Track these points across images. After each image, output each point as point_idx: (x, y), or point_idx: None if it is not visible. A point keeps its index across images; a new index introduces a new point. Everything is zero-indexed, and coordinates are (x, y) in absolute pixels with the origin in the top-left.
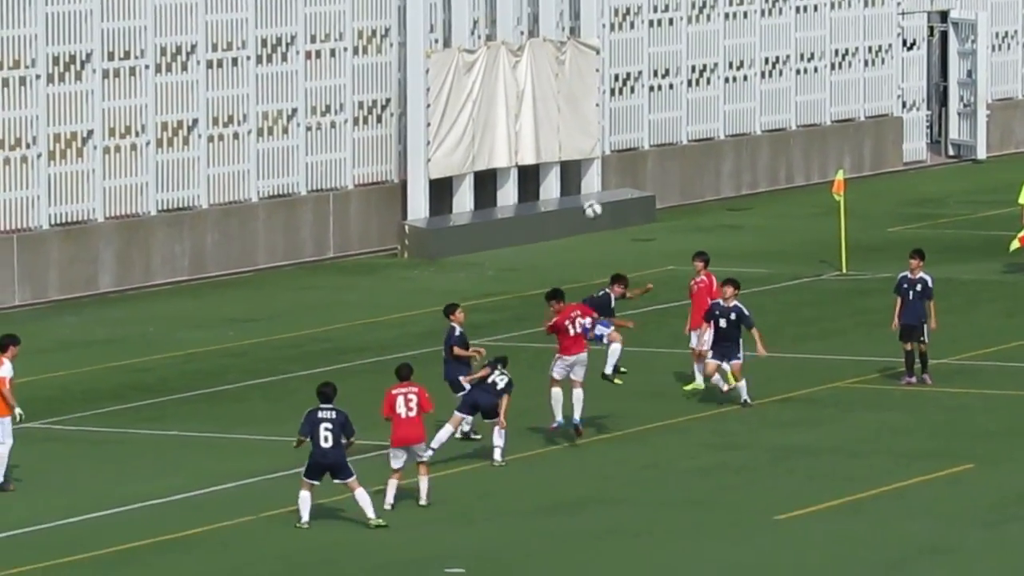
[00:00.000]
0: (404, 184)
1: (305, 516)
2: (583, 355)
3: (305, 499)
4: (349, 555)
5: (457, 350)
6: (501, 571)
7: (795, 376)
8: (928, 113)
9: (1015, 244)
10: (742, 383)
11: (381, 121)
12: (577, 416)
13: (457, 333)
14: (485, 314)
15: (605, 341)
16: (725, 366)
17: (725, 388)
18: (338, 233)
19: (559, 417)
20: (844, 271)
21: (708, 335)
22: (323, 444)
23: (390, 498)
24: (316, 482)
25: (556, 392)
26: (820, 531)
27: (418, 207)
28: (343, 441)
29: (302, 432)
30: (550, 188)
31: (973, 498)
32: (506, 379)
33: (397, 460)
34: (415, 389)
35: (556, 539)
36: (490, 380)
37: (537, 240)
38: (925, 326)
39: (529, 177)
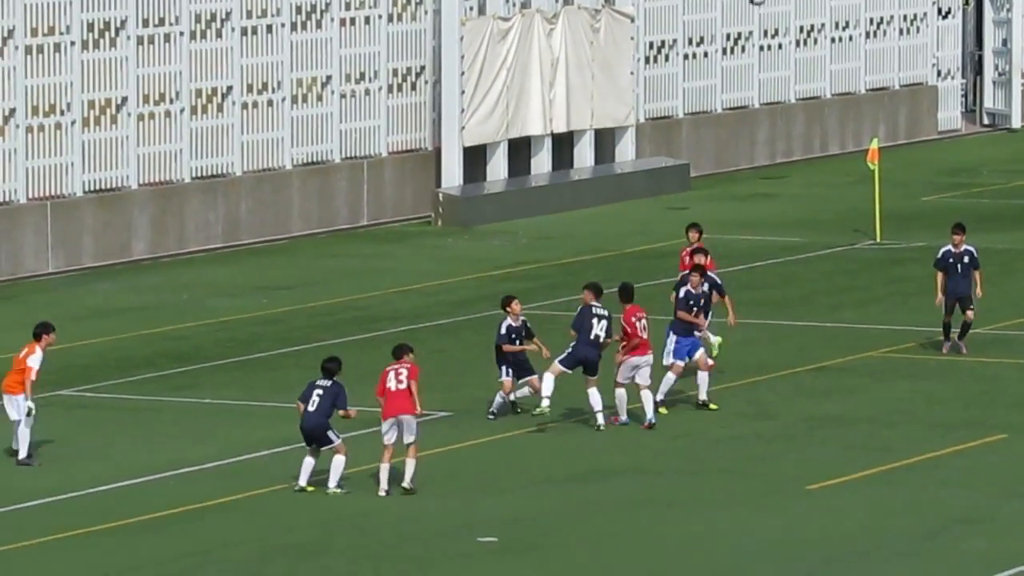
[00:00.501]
0: (438, 152)
1: (302, 480)
2: (648, 357)
3: (306, 464)
4: (381, 524)
5: (506, 347)
6: (534, 540)
7: (829, 345)
8: (963, 82)
9: None
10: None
11: (415, 89)
12: (650, 413)
13: (503, 330)
14: (518, 282)
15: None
16: (711, 337)
17: (711, 362)
18: (372, 201)
19: (624, 416)
20: (878, 240)
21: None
22: (308, 409)
23: (384, 484)
24: (312, 447)
25: (620, 393)
26: (853, 501)
27: (452, 175)
28: (336, 412)
29: (301, 398)
30: (584, 156)
31: (1007, 468)
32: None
33: (387, 435)
34: (407, 364)
35: (588, 508)
36: (592, 335)
37: (571, 208)
38: (972, 295)
39: (563, 145)
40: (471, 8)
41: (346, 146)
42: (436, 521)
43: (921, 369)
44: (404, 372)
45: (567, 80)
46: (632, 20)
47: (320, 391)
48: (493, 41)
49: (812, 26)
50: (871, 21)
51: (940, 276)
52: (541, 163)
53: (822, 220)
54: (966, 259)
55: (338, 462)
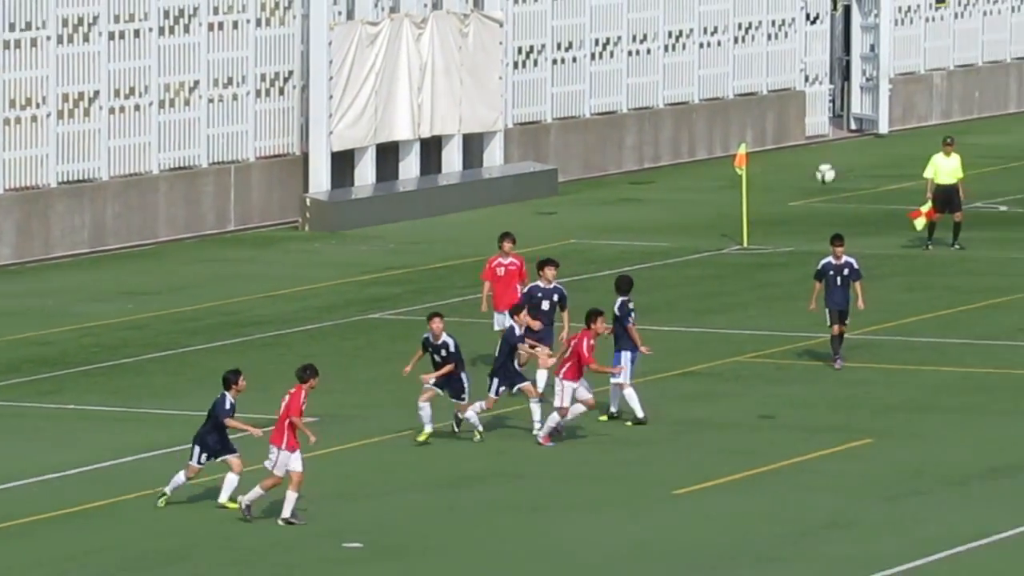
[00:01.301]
0: (306, 157)
1: (222, 496)
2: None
3: (229, 480)
4: (245, 531)
5: (522, 347)
6: (399, 545)
7: (696, 350)
8: (831, 87)
9: (921, 221)
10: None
11: (283, 94)
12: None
13: (518, 332)
14: (386, 287)
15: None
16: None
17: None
18: (239, 206)
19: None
20: (746, 245)
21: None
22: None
23: (246, 499)
24: (214, 459)
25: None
26: (719, 505)
27: (320, 180)
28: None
29: None
30: (452, 161)
31: (872, 472)
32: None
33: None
34: (291, 391)
35: (455, 514)
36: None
37: (439, 213)
38: (849, 309)
39: (431, 150)
40: (339, 13)
41: (214, 151)
42: (301, 527)
43: (787, 374)
44: (287, 399)
45: (435, 85)
46: (501, 25)
47: (212, 406)
48: (361, 46)
49: (681, 31)
50: (739, 26)
51: (817, 286)
52: (409, 168)
53: (690, 225)
54: (846, 271)
55: (231, 479)
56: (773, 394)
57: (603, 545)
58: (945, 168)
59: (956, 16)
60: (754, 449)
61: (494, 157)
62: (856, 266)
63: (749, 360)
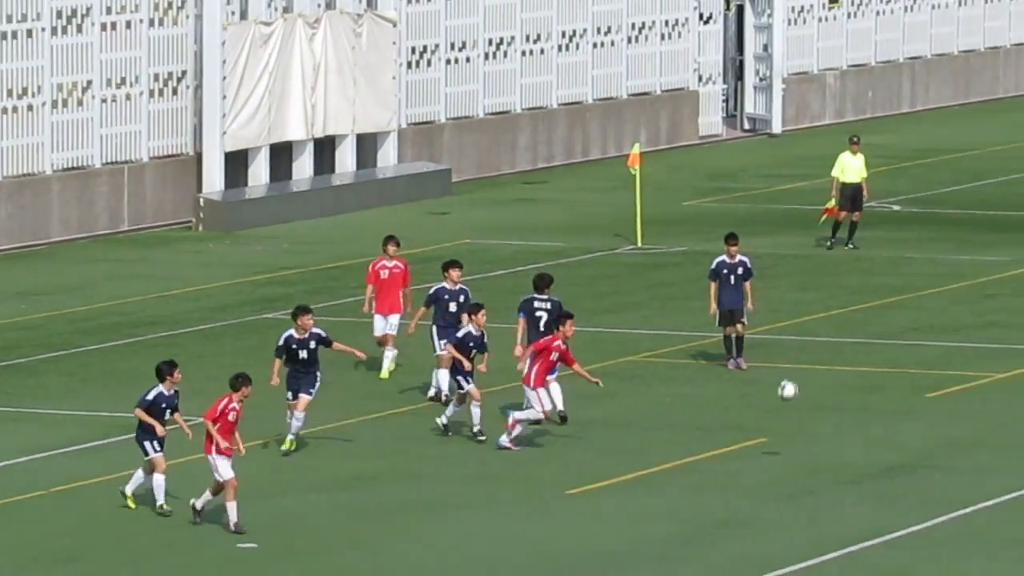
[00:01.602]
0: (199, 157)
1: (126, 488)
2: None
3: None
4: (139, 532)
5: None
6: (294, 545)
7: (591, 349)
8: (724, 87)
9: (825, 217)
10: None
11: (177, 93)
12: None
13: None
14: (280, 287)
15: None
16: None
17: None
18: (133, 206)
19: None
20: (640, 244)
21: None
22: None
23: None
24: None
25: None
26: (613, 505)
27: (213, 180)
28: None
29: None
30: (346, 161)
31: (766, 471)
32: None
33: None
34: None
35: (350, 513)
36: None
37: (333, 213)
38: (744, 308)
39: (325, 150)
40: (233, 13)
41: (107, 151)
42: (196, 528)
43: (681, 373)
44: (220, 406)
45: (329, 85)
46: (394, 25)
47: None
48: (255, 46)
49: (574, 31)
50: (633, 26)
51: (713, 286)
52: (303, 168)
53: (584, 225)
54: (740, 270)
55: (157, 480)
56: (667, 394)
57: (498, 545)
58: (851, 166)
59: (849, 16)
60: (648, 449)
61: (388, 157)
62: (749, 265)
63: (643, 360)
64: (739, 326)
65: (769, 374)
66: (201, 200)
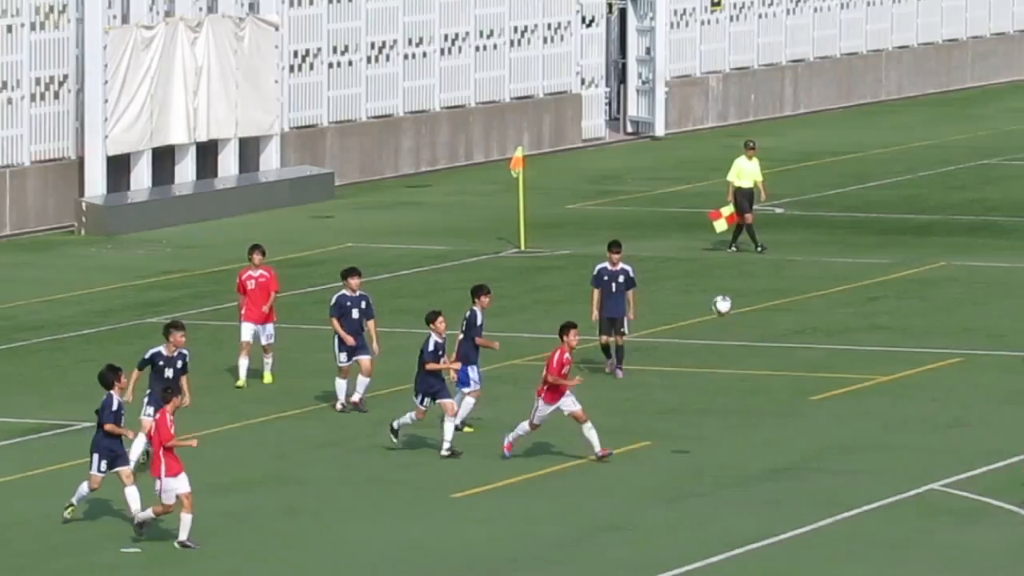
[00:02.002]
0: (82, 161)
1: (75, 494)
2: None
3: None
4: (24, 536)
5: (430, 365)
6: (178, 551)
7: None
8: (607, 90)
9: (721, 224)
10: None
11: (59, 97)
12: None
13: (431, 347)
14: (163, 291)
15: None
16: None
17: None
18: (15, 210)
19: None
20: (523, 248)
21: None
22: None
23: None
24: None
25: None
26: (499, 509)
27: (96, 184)
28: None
29: None
30: (228, 165)
31: (651, 475)
32: None
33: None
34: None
35: (234, 518)
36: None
37: (216, 217)
38: (625, 318)
39: (208, 154)
40: (114, 17)
41: None
42: (80, 533)
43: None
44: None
45: (211, 89)
46: (276, 28)
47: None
48: (137, 50)
49: (457, 35)
50: (515, 30)
51: (596, 293)
52: (185, 172)
53: (467, 228)
54: (621, 278)
55: (132, 491)
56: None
57: (382, 548)
58: (747, 171)
59: (731, 19)
60: (533, 452)
61: (270, 161)
62: (632, 274)
63: (527, 363)
64: (619, 336)
65: (652, 377)
66: (84, 204)
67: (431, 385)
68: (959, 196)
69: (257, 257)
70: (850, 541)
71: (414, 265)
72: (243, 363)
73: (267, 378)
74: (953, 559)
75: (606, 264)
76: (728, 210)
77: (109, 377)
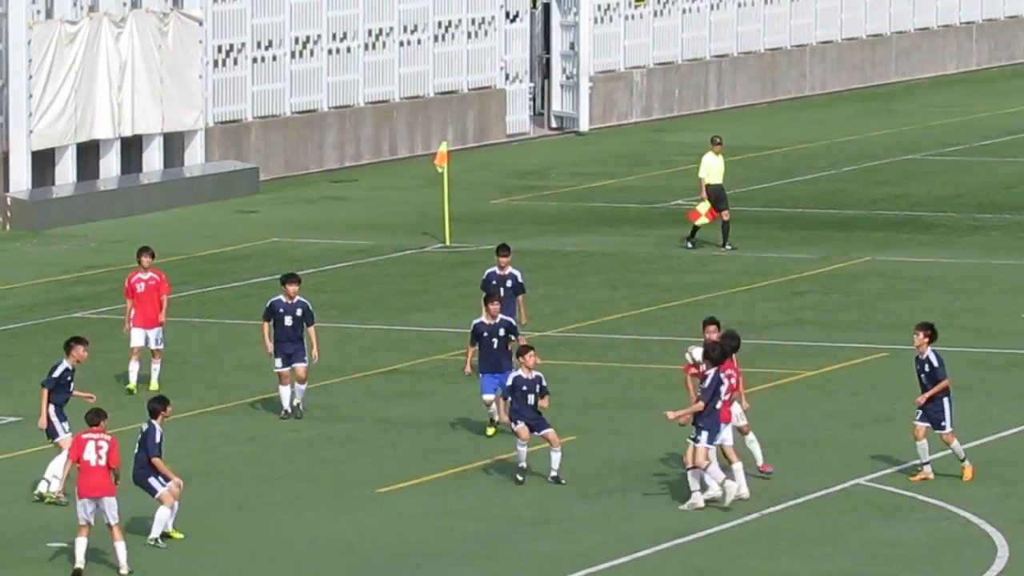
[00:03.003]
0: (6, 156)
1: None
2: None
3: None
4: None
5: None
6: (105, 545)
7: (398, 348)
8: (531, 85)
9: (703, 219)
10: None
11: None
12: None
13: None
14: (88, 286)
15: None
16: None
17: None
18: None
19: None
20: (448, 243)
21: None
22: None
23: (79, 559)
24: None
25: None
26: (423, 503)
27: (20, 179)
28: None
29: None
30: (153, 160)
31: (575, 469)
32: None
33: (84, 512)
34: (107, 438)
35: None
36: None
37: (140, 212)
38: (515, 322)
39: (132, 149)
40: (38, 12)
41: None
42: (5, 527)
43: None
44: (105, 447)
45: (136, 84)
46: (200, 23)
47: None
48: (61, 44)
49: (381, 29)
50: (439, 24)
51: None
52: (110, 167)
53: (391, 223)
54: (509, 283)
55: (161, 513)
56: (475, 393)
57: (307, 543)
58: (715, 167)
59: (655, 14)
60: (457, 448)
61: (195, 156)
62: (520, 279)
63: (452, 358)
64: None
65: (576, 372)
66: (8, 199)
67: (527, 416)
68: (882, 191)
69: (146, 260)
70: (775, 536)
71: (338, 260)
72: (134, 368)
73: (153, 385)
74: (879, 553)
75: (495, 269)
76: (705, 206)
77: (157, 408)
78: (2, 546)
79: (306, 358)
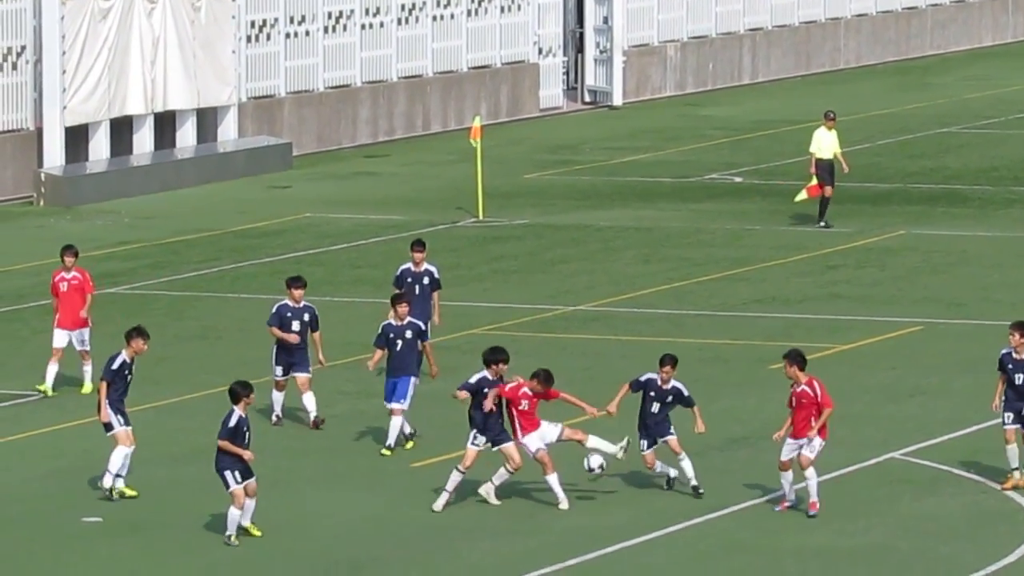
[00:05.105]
0: (40, 132)
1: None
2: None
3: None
4: None
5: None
6: (137, 520)
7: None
8: (564, 59)
9: (802, 194)
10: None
11: (16, 68)
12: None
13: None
14: (122, 262)
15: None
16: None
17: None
18: None
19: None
20: (481, 217)
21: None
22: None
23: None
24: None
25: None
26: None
27: (54, 155)
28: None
29: None
30: (186, 135)
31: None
32: None
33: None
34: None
35: (189, 488)
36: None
37: (173, 187)
38: (429, 322)
39: (165, 124)
40: None
41: None
42: (40, 502)
43: (524, 346)
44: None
45: (168, 59)
46: None
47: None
48: (94, 20)
49: (414, 4)
50: None
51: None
52: (143, 142)
53: (425, 198)
54: (426, 279)
55: (233, 513)
56: (510, 368)
57: (341, 518)
58: (827, 143)
59: None
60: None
61: (228, 131)
62: (436, 275)
63: (485, 332)
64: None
65: (610, 347)
66: (42, 175)
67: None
68: (918, 164)
69: (69, 259)
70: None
71: (372, 235)
72: (52, 369)
73: (86, 388)
74: (913, 528)
75: (409, 265)
76: (811, 182)
77: (239, 392)
78: (36, 521)
79: (310, 368)
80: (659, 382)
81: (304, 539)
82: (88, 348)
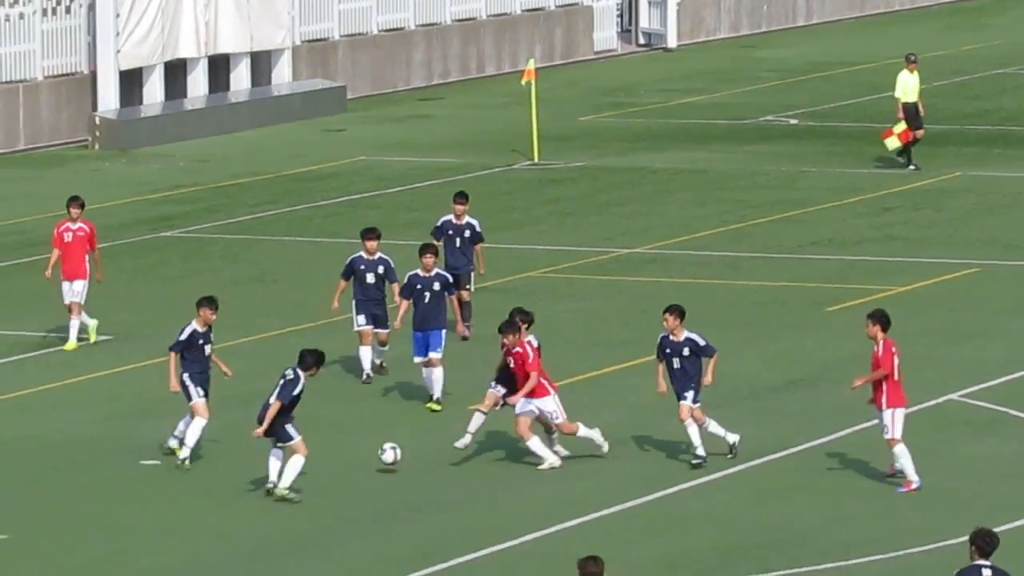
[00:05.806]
0: (94, 75)
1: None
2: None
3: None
4: (42, 449)
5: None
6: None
7: (488, 266)
8: (618, 1)
9: (894, 142)
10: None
11: (70, 12)
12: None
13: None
14: (177, 206)
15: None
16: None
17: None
18: (28, 125)
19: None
20: (536, 160)
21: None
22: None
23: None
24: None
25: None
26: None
27: (108, 98)
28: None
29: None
30: (240, 79)
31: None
32: None
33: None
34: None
35: (243, 429)
36: None
37: (228, 131)
38: (472, 273)
39: (219, 68)
40: None
41: (2, 70)
42: (99, 445)
43: (580, 289)
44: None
45: (222, 2)
46: None
47: (282, 380)
48: None
49: None
50: None
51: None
52: (197, 86)
53: (480, 141)
54: (467, 232)
55: (295, 462)
56: (566, 310)
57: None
58: (911, 86)
59: None
60: (547, 364)
61: (282, 75)
62: (478, 228)
63: (541, 275)
64: (464, 292)
65: (666, 289)
66: (97, 119)
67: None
68: (974, 106)
69: (75, 211)
70: (866, 451)
71: (427, 178)
72: (74, 323)
73: (70, 345)
74: (971, 469)
75: (451, 217)
76: (900, 127)
77: (307, 359)
78: (95, 464)
79: (388, 325)
80: (670, 336)
81: (360, 479)
82: (80, 301)
